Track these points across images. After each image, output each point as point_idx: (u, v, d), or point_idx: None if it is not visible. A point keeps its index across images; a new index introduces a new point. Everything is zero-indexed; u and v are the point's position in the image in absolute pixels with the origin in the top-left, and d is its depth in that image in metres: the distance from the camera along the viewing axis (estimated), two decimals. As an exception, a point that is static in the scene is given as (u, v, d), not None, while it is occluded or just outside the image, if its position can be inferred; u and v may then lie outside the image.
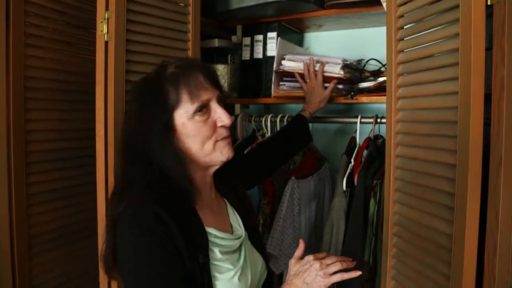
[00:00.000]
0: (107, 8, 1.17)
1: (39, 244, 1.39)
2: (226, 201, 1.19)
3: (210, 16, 1.73)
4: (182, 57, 1.34)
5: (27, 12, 1.31)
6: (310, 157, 1.71)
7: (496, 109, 0.93)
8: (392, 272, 1.14)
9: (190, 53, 1.39)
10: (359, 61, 1.71)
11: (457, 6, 0.94)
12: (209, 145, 1.04)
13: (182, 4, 1.38)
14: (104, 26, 1.17)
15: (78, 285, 1.52)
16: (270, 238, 1.48)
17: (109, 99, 1.19)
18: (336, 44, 1.94)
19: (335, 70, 1.52)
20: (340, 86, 1.54)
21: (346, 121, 1.67)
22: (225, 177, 1.16)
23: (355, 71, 1.62)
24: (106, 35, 1.16)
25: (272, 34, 1.75)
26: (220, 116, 1.04)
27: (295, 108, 1.94)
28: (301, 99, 1.60)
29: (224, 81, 1.75)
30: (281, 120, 1.67)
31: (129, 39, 1.22)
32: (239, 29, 1.87)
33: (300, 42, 1.97)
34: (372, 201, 1.36)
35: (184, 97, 1.01)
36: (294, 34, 1.92)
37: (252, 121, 1.78)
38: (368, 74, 1.65)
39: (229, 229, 1.12)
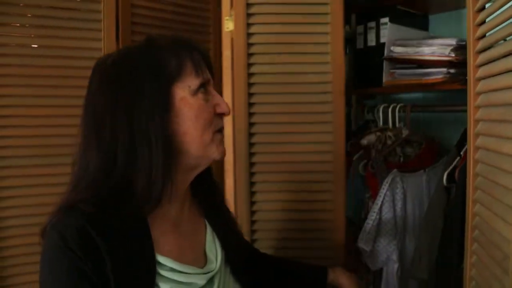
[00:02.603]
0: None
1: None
2: (206, 222, 0.95)
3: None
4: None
5: (134, 23, 1.45)
6: (426, 150, 1.55)
7: None
8: (472, 283, 0.98)
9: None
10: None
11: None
12: (208, 133, 0.83)
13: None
14: (230, 23, 1.28)
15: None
16: (362, 232, 1.41)
17: (236, 89, 1.29)
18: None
19: (445, 52, 1.36)
20: (452, 71, 1.37)
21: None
22: (211, 190, 0.96)
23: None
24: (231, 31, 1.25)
25: (384, 20, 1.65)
26: (220, 102, 0.86)
27: (407, 97, 1.79)
28: (416, 87, 1.49)
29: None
30: (393, 111, 1.56)
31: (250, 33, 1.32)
32: (353, 18, 1.79)
33: (424, 26, 1.80)
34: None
35: (188, 68, 0.83)
36: (414, 17, 1.76)
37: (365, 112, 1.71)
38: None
39: (200, 260, 0.89)
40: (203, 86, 0.83)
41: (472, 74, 0.97)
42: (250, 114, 1.35)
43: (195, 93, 0.82)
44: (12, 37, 1.31)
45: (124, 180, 0.77)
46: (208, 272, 0.86)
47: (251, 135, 1.35)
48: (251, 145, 1.35)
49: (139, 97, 0.78)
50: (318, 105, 1.35)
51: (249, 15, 1.34)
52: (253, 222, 1.37)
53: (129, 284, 0.75)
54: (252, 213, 1.37)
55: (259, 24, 1.35)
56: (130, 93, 0.78)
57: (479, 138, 0.96)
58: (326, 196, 1.36)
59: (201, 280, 0.84)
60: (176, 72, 0.81)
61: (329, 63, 1.34)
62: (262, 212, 1.37)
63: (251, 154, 1.36)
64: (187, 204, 0.90)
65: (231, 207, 1.18)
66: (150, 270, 0.77)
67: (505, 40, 0.87)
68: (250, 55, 1.34)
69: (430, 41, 1.44)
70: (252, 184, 1.36)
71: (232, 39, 1.39)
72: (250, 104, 1.35)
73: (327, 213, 1.36)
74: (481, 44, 0.95)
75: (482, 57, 0.94)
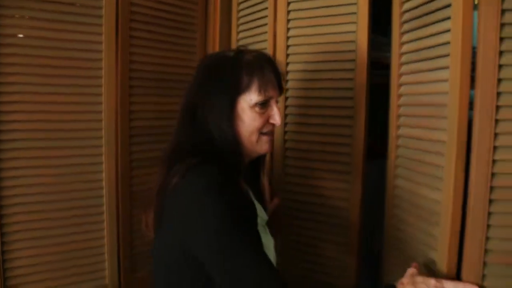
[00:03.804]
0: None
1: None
2: (249, 189, 1.22)
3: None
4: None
5: (132, 20, 1.68)
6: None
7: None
8: (391, 241, 1.30)
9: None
10: None
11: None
12: (255, 135, 1.11)
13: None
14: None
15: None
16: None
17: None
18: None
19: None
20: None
21: None
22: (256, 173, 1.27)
23: None
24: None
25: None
26: (275, 115, 1.12)
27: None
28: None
29: None
30: None
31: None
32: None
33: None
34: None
35: (254, 86, 1.08)
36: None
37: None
38: None
39: None
40: (263, 102, 1.09)
41: (396, 81, 1.27)
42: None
43: (253, 106, 1.09)
44: (20, 28, 1.48)
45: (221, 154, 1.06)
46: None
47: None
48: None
49: (215, 100, 1.08)
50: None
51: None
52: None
53: (251, 214, 1.07)
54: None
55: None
56: (209, 95, 1.09)
57: (400, 129, 1.25)
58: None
59: (266, 215, 1.20)
60: (245, 88, 1.08)
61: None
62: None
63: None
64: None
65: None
66: (253, 206, 1.10)
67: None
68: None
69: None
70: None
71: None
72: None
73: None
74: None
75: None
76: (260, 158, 1.23)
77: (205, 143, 1.07)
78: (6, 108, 1.47)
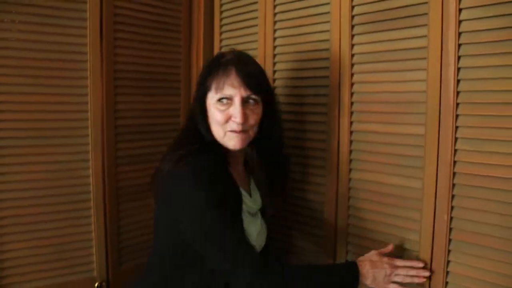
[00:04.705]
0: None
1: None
2: (252, 178, 1.42)
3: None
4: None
5: (116, 22, 1.74)
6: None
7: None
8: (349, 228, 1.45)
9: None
10: None
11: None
12: (221, 131, 1.22)
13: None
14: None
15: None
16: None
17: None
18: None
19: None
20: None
21: None
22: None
23: None
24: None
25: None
26: (234, 112, 1.19)
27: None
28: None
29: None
30: None
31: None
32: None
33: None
34: None
35: (213, 85, 1.22)
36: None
37: None
38: None
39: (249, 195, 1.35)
40: (221, 99, 1.21)
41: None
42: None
43: (215, 103, 1.22)
44: (10, 32, 1.54)
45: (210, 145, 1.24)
46: (257, 205, 1.35)
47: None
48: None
49: (195, 96, 1.28)
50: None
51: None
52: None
53: (235, 200, 1.22)
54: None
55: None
56: (195, 92, 1.30)
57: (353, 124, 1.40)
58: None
59: (256, 206, 1.34)
60: (208, 87, 1.24)
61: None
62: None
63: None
64: (242, 165, 1.38)
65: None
66: (238, 194, 1.24)
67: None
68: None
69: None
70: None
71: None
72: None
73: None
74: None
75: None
76: (264, 151, 1.36)
77: (196, 136, 1.25)
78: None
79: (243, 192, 1.28)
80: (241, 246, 1.13)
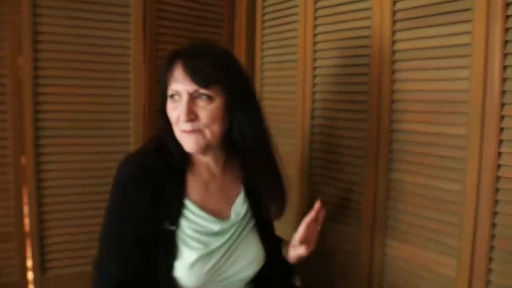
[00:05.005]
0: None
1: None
2: (242, 187, 1.22)
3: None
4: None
5: (158, 17, 1.77)
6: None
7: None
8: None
9: None
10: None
11: None
12: (176, 131, 1.10)
13: None
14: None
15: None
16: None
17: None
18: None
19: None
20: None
21: None
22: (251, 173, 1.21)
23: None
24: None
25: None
26: (178, 110, 1.07)
27: None
28: None
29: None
30: None
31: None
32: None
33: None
34: None
35: (167, 81, 1.10)
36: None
37: None
38: None
39: (223, 214, 1.16)
40: (172, 96, 1.09)
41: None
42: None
43: (169, 100, 1.11)
44: (53, 26, 1.59)
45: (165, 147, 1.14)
46: (229, 223, 1.14)
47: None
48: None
49: (160, 93, 1.15)
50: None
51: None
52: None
53: (163, 214, 1.07)
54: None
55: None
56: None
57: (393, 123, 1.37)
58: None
59: (215, 227, 1.12)
60: (164, 82, 1.12)
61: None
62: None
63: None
64: (226, 172, 1.20)
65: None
66: (178, 208, 1.09)
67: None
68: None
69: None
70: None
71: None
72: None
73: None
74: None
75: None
76: (250, 156, 1.17)
77: (159, 136, 1.17)
78: (43, 99, 1.61)
79: (191, 206, 1.11)
80: (105, 270, 1.08)
